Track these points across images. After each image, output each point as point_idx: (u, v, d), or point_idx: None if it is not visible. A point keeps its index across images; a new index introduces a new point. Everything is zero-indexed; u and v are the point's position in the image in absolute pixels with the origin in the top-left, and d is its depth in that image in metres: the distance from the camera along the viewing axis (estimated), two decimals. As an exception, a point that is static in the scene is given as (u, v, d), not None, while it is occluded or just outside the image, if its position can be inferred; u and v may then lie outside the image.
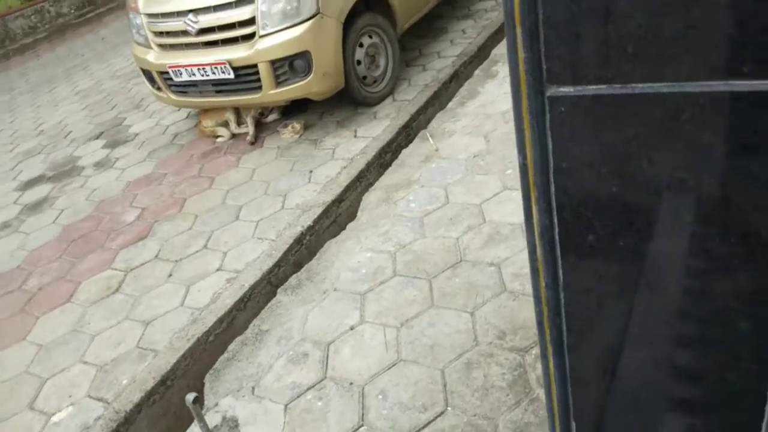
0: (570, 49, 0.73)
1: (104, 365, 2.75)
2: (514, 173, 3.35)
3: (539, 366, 2.20)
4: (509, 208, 3.07)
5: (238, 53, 3.97)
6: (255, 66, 3.96)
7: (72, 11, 11.33)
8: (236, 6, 3.96)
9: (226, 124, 4.58)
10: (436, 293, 2.67)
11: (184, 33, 4.16)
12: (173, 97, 4.49)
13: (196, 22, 4.07)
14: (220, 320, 2.81)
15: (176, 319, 2.88)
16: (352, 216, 3.39)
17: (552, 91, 0.77)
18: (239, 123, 4.58)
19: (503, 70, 4.75)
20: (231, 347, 2.73)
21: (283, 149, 4.22)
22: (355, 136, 4.14)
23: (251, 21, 3.92)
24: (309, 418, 2.26)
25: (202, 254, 3.32)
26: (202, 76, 4.15)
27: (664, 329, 0.95)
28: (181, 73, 4.23)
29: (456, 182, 3.40)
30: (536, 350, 2.26)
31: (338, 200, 3.46)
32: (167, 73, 4.31)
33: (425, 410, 2.15)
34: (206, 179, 4.08)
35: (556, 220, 0.88)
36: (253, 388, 2.48)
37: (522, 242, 2.80)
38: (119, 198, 4.17)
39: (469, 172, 3.48)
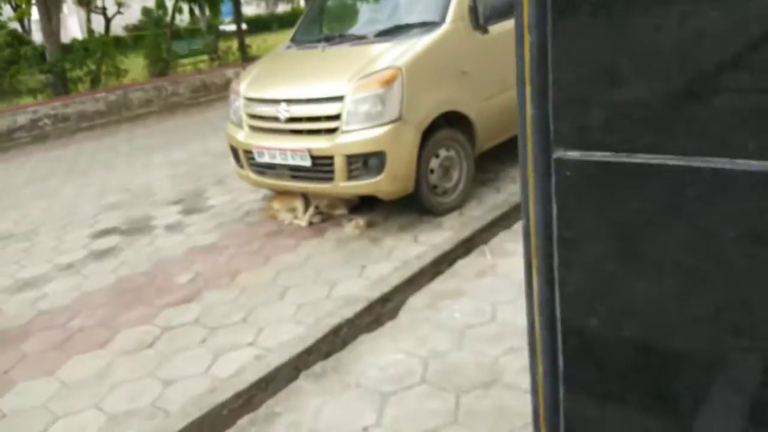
0: (578, 112, 0.70)
1: (116, 416, 2.71)
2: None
3: None
4: (556, 337, 2.90)
5: (319, 144, 4.16)
6: (331, 158, 4.12)
7: (187, 92, 12.39)
8: (326, 102, 4.20)
9: (293, 211, 4.71)
10: (462, 410, 2.50)
11: (275, 119, 4.43)
12: (252, 175, 4.71)
13: (287, 111, 4.33)
14: (238, 395, 2.74)
15: (196, 385, 2.84)
16: (393, 315, 3.31)
17: (559, 153, 0.73)
18: (305, 212, 4.70)
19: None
20: (240, 422, 2.63)
21: (342, 242, 4.26)
22: (415, 241, 4.14)
23: (337, 117, 4.13)
24: None
25: (238, 327, 3.30)
26: (282, 160, 4.35)
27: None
28: (263, 155, 4.46)
29: (506, 301, 3.28)
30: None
31: (384, 299, 3.41)
32: (251, 152, 4.55)
33: None
34: (263, 257, 4.16)
35: (557, 295, 0.81)
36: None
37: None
38: (179, 260, 4.30)
39: (523, 293, 3.35)
